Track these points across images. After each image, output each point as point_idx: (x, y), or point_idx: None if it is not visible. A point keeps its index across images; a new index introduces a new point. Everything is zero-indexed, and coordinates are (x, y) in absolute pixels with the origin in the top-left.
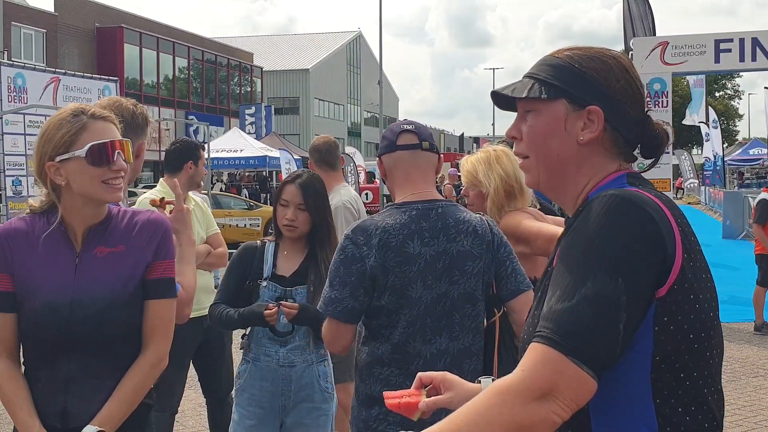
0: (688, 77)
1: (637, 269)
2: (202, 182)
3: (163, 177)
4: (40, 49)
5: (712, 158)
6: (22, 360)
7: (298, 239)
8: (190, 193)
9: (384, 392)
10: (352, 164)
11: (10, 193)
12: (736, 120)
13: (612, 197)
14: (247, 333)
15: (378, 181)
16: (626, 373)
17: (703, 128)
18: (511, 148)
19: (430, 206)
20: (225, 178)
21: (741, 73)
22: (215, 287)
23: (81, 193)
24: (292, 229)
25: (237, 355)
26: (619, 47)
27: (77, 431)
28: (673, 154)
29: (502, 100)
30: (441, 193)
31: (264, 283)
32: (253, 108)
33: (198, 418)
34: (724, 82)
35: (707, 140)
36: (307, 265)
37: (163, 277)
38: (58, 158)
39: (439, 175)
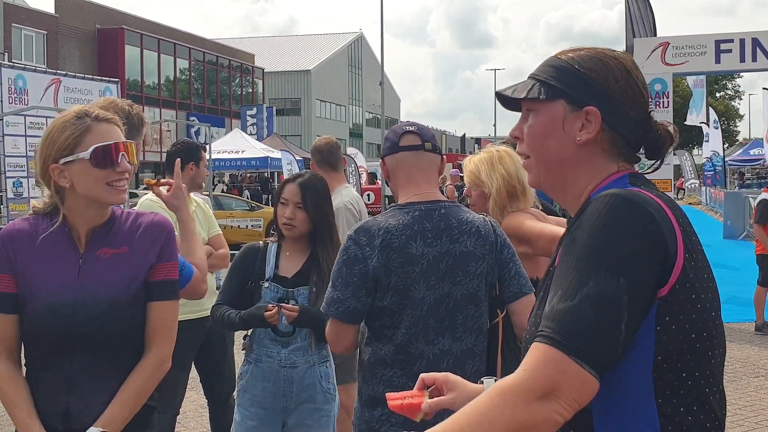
0: (688, 78)
1: (638, 269)
2: (203, 183)
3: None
4: (40, 50)
5: (711, 158)
6: (23, 361)
7: (299, 240)
8: (192, 195)
9: (386, 393)
10: (353, 165)
11: (11, 195)
12: (737, 120)
13: (613, 197)
14: (249, 334)
15: (380, 182)
16: (628, 372)
17: (704, 129)
18: (515, 148)
19: (433, 207)
20: (227, 179)
21: (741, 74)
22: (217, 288)
23: (85, 195)
24: (291, 228)
25: (239, 356)
26: (621, 48)
27: None
28: (674, 154)
29: (507, 100)
30: (443, 194)
31: (266, 284)
32: (255, 109)
33: (199, 419)
34: (724, 82)
35: (707, 141)
36: (310, 266)
37: (167, 279)
38: (62, 160)
39: (441, 176)
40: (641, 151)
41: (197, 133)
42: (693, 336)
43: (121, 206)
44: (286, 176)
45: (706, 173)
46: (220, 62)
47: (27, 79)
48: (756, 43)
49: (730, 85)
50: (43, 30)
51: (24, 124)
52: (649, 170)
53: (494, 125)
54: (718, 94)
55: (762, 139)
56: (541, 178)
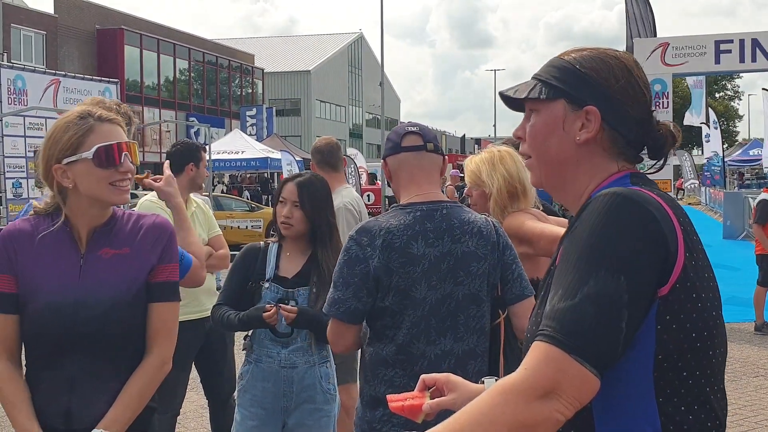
0: (687, 78)
1: (639, 268)
2: (203, 184)
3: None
4: (40, 50)
5: (712, 158)
6: (24, 362)
7: (300, 240)
8: (192, 195)
9: (387, 395)
10: (353, 166)
11: (10, 195)
12: (736, 121)
13: (614, 196)
14: (249, 334)
15: (380, 183)
16: (629, 371)
17: (704, 129)
18: (516, 148)
19: (434, 207)
20: (226, 179)
21: (741, 74)
22: (217, 289)
23: (88, 195)
24: (288, 227)
25: (239, 357)
26: (621, 48)
27: None
28: (674, 154)
29: (511, 101)
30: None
31: (266, 285)
32: (254, 109)
33: (200, 420)
34: (724, 83)
35: (707, 141)
36: (310, 266)
37: (168, 280)
38: (65, 160)
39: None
40: (644, 151)
41: (197, 133)
42: (694, 335)
43: (122, 207)
44: (285, 177)
45: (705, 174)
46: (219, 63)
47: (26, 79)
48: (756, 43)
49: (729, 86)
50: (42, 30)
51: (23, 125)
52: (652, 170)
53: (494, 126)
54: (717, 95)
55: (761, 139)
56: (543, 177)
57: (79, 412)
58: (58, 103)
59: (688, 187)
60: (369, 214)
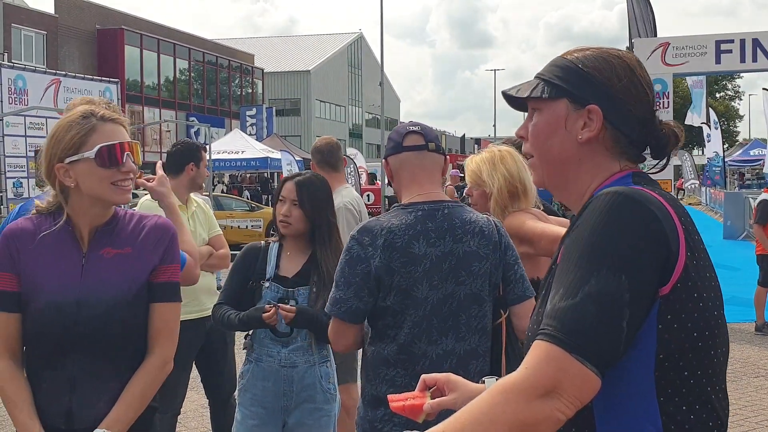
0: (687, 78)
1: (640, 267)
2: (203, 184)
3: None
4: (40, 50)
5: (713, 158)
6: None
7: (300, 239)
8: (192, 195)
9: (388, 395)
10: (352, 166)
11: (11, 195)
12: (737, 121)
13: (615, 195)
14: (250, 333)
15: (379, 183)
16: (630, 370)
17: (705, 129)
18: (516, 148)
19: (436, 207)
20: (226, 179)
21: (741, 74)
22: (217, 289)
23: (90, 195)
24: (286, 225)
25: (240, 356)
26: (622, 48)
27: None
28: (675, 155)
29: (514, 100)
30: None
31: (266, 284)
32: (254, 109)
33: (200, 419)
34: (724, 83)
35: (709, 141)
36: (310, 266)
37: (170, 281)
38: (67, 160)
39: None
40: (647, 150)
41: (197, 133)
42: (695, 335)
43: (123, 207)
44: (285, 176)
45: (706, 173)
46: (219, 62)
47: (27, 79)
48: (756, 43)
49: (730, 86)
50: (42, 30)
51: (24, 125)
52: (654, 170)
53: (494, 125)
54: (718, 95)
55: (762, 139)
56: (545, 176)
57: (80, 411)
58: (58, 102)
59: (689, 187)
60: (369, 213)
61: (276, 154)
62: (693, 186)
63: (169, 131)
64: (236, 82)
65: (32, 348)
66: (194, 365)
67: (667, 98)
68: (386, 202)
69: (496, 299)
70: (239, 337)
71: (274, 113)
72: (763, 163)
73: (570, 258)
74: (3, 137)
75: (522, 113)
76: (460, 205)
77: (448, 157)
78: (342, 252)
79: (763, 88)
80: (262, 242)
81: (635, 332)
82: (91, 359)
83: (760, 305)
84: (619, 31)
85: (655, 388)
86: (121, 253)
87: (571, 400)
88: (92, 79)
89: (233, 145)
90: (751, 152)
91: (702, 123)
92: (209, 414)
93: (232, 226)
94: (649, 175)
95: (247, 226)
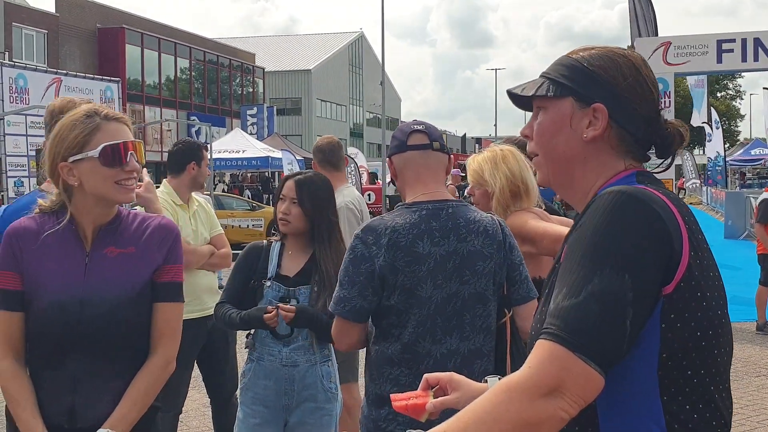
0: (688, 78)
1: (643, 266)
2: (205, 183)
3: (165, 178)
4: (41, 49)
5: (713, 158)
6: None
7: (301, 239)
8: (193, 194)
9: (391, 395)
10: (353, 165)
11: (12, 194)
12: (738, 120)
13: (618, 194)
14: (251, 332)
15: (380, 182)
16: (633, 369)
17: (707, 129)
18: (518, 147)
19: (440, 206)
20: (227, 179)
21: (742, 74)
22: (219, 288)
23: (94, 194)
24: (286, 224)
25: (242, 355)
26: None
27: (83, 431)
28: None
29: (519, 99)
30: None
31: (268, 283)
32: (255, 109)
33: (202, 418)
34: (725, 82)
35: (710, 140)
36: (312, 265)
37: (173, 281)
38: (71, 159)
39: None
40: (652, 149)
41: (198, 132)
42: (698, 334)
43: (125, 206)
44: (286, 174)
45: (708, 173)
46: (220, 62)
47: (28, 78)
48: (758, 42)
49: (731, 85)
50: (43, 29)
51: (25, 124)
52: (659, 169)
53: (495, 125)
54: (719, 94)
55: (763, 139)
56: (550, 175)
57: (83, 410)
58: None
59: (690, 186)
60: (370, 213)
61: (277, 154)
62: (694, 185)
63: (170, 130)
64: (237, 81)
65: (35, 347)
66: (196, 364)
67: (669, 98)
68: (387, 202)
69: (501, 298)
70: (241, 336)
71: (275, 112)
72: (764, 162)
73: (573, 257)
74: (4, 136)
75: (524, 114)
76: (464, 204)
77: (452, 156)
78: (345, 251)
79: (764, 88)
80: (264, 241)
81: (638, 331)
82: (92, 359)
83: (761, 305)
84: (620, 31)
85: (658, 387)
86: (125, 253)
87: (574, 399)
88: (93, 78)
89: (234, 144)
90: (752, 152)
91: (703, 122)
92: (211, 413)
93: (233, 226)
94: (654, 174)
95: (248, 226)
